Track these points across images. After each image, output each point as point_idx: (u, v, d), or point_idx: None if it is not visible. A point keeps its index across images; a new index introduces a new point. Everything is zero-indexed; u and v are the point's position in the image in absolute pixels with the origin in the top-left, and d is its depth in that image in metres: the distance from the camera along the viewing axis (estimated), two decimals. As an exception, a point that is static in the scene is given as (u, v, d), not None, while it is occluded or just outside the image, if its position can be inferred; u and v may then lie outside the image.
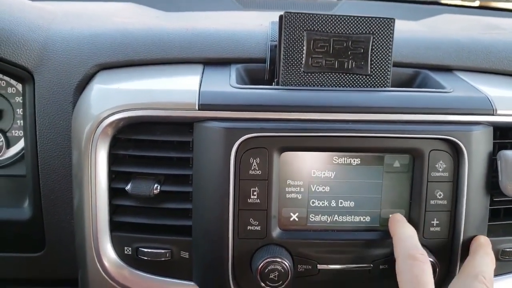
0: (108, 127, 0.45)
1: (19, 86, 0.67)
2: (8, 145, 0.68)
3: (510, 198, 0.51)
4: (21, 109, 0.67)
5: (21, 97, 0.67)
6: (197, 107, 0.45)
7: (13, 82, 0.67)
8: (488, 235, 0.49)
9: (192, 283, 0.49)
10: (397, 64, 0.55)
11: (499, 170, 0.48)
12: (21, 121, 0.69)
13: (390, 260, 0.48)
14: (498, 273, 0.51)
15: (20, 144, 0.69)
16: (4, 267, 0.57)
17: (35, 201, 0.55)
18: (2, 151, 0.68)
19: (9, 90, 0.68)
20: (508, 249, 0.51)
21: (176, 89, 0.48)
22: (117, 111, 0.45)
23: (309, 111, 0.46)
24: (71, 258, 0.55)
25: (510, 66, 0.57)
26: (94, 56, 0.53)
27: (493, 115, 0.47)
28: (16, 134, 0.69)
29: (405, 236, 0.44)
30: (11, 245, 0.57)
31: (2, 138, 0.68)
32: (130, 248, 0.48)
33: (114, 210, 0.49)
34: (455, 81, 0.53)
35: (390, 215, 0.48)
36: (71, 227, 0.54)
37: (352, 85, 0.50)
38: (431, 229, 0.48)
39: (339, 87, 0.50)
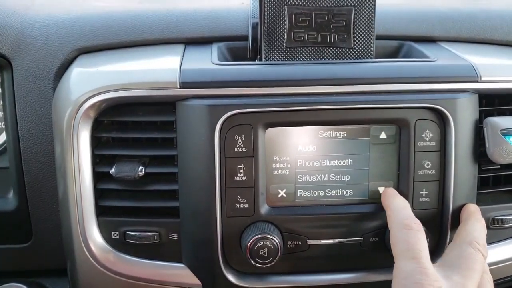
0: (90, 109, 0.44)
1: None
2: (-9, 137, 0.67)
3: (498, 166, 0.52)
4: (1, 100, 0.66)
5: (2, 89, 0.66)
6: (178, 86, 0.44)
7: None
8: (478, 204, 0.49)
9: (182, 264, 0.48)
10: (380, 37, 0.54)
11: (486, 137, 0.48)
12: (2, 113, 0.68)
13: (380, 232, 0.48)
14: (489, 241, 0.51)
15: (3, 137, 0.68)
16: (-8, 260, 0.56)
17: (20, 191, 0.54)
18: (-15, 143, 0.67)
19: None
20: (497, 217, 0.51)
21: (157, 68, 0.47)
22: (98, 92, 0.44)
23: (293, 85, 0.45)
24: (59, 248, 0.54)
25: (494, 34, 0.56)
26: (73, 40, 0.52)
27: (478, 82, 0.47)
28: (-2, 126, 0.68)
29: (399, 208, 0.44)
30: (-3, 237, 0.56)
31: (-16, 131, 0.67)
32: (117, 233, 0.48)
33: (99, 194, 0.48)
34: (439, 50, 0.53)
35: (382, 189, 0.47)
36: (58, 216, 0.53)
37: (336, 59, 0.50)
38: (420, 199, 0.47)
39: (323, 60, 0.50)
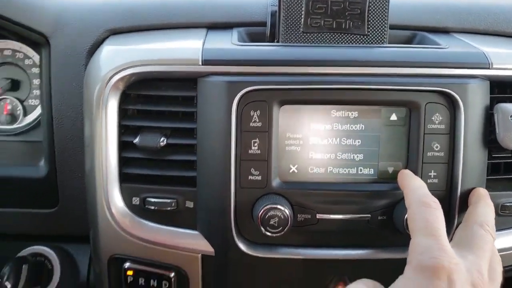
0: (119, 82, 0.48)
1: (36, 58, 0.71)
2: (25, 113, 0.72)
3: (509, 154, 0.53)
4: (37, 80, 0.71)
5: (38, 68, 0.71)
6: (200, 63, 0.48)
7: (30, 54, 0.71)
8: (487, 190, 0.50)
9: (196, 232, 0.51)
10: (394, 27, 0.56)
11: (496, 123, 0.49)
12: (37, 91, 0.73)
13: (388, 211, 0.49)
14: (498, 228, 0.51)
15: (36, 112, 0.72)
16: (20, 222, 0.61)
17: (50, 160, 0.59)
18: (20, 119, 0.72)
19: (26, 61, 0.72)
20: (508, 204, 0.51)
21: (181, 47, 0.51)
22: (127, 67, 0.48)
23: (308, 65, 0.48)
24: (83, 216, 0.58)
25: (508, 27, 0.57)
26: (104, 22, 0.57)
27: (489, 68, 0.48)
28: (32, 103, 0.73)
29: (416, 187, 0.45)
30: (27, 202, 0.60)
31: (20, 107, 0.72)
32: (138, 199, 0.51)
33: (123, 162, 0.52)
34: (452, 40, 0.54)
35: (392, 169, 0.49)
36: (83, 185, 0.57)
37: (350, 44, 0.52)
38: (429, 181, 0.49)
39: (338, 45, 0.52)
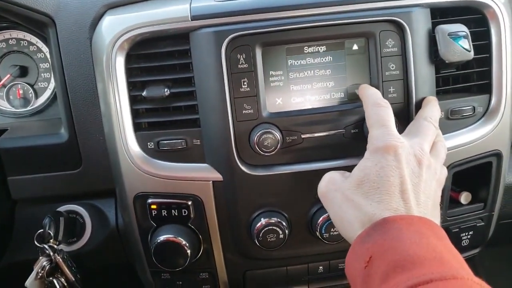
0: (125, 42, 0.57)
1: (39, 44, 0.79)
2: (37, 96, 0.80)
3: (454, 70, 0.63)
4: (44, 64, 0.79)
5: (42, 53, 0.79)
6: (190, 19, 0.57)
7: (33, 40, 0.78)
8: (438, 99, 0.60)
9: (205, 164, 0.61)
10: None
11: (438, 42, 0.59)
12: (46, 74, 0.81)
13: (359, 125, 0.60)
14: (449, 131, 0.63)
15: (47, 94, 0.81)
16: (49, 185, 0.70)
17: (69, 125, 0.67)
18: (32, 101, 0.80)
19: (31, 48, 0.79)
20: (456, 108, 0.63)
21: (172, 9, 0.59)
22: (130, 29, 0.57)
23: (281, 10, 0.57)
24: (105, 172, 0.67)
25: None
26: (101, -1, 0.65)
27: (428, -3, 0.59)
28: (42, 86, 0.81)
29: (371, 93, 0.56)
30: (53, 166, 0.69)
31: (31, 90, 0.80)
32: (152, 143, 0.61)
33: (135, 114, 0.61)
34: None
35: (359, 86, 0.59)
36: (102, 145, 0.66)
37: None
38: (389, 95, 0.59)
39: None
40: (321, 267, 0.67)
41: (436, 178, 0.51)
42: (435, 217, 0.49)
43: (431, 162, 0.51)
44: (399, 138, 0.50)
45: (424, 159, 0.50)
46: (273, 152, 0.57)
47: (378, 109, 0.53)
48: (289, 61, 0.59)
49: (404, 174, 0.48)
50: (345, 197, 0.49)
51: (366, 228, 0.45)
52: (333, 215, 0.51)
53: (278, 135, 0.57)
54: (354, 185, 0.49)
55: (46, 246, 0.65)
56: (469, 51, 0.59)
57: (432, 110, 0.57)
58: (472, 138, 0.63)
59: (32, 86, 0.79)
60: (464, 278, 0.38)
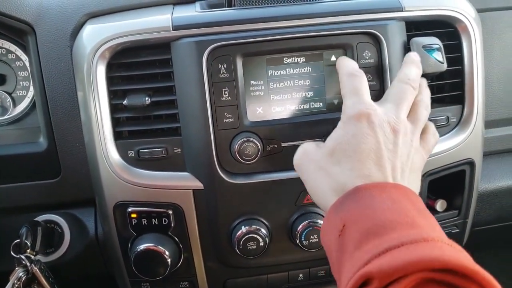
0: (106, 51, 0.57)
1: (18, 52, 0.78)
2: (15, 104, 0.79)
3: (428, 81, 0.65)
4: (23, 72, 0.78)
5: (21, 62, 0.78)
6: (171, 29, 0.57)
7: (12, 48, 0.77)
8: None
9: (186, 173, 0.61)
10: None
11: (413, 54, 0.61)
12: (24, 83, 0.80)
13: (338, 134, 0.61)
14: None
15: (25, 103, 0.79)
16: (27, 195, 0.69)
17: (48, 135, 0.66)
18: (10, 109, 0.79)
19: (9, 56, 0.78)
20: (431, 118, 0.62)
21: (154, 19, 0.60)
22: (112, 38, 0.57)
23: (261, 22, 0.58)
24: (84, 181, 0.67)
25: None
26: (82, 7, 0.65)
27: (402, 11, 0.61)
28: (20, 94, 0.80)
29: (346, 64, 0.55)
30: (32, 175, 0.68)
31: (9, 99, 0.79)
32: (132, 151, 0.60)
33: (116, 123, 0.60)
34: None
35: (337, 101, 0.60)
36: (81, 153, 0.66)
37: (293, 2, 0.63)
38: (367, 106, 0.61)
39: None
40: (301, 275, 0.68)
41: (413, 145, 0.50)
42: (412, 183, 0.49)
43: (408, 128, 0.50)
44: (372, 105, 0.49)
45: (398, 126, 0.49)
46: (253, 161, 0.58)
47: (352, 78, 0.52)
48: (269, 71, 0.60)
49: (379, 141, 0.47)
50: (318, 167, 0.49)
51: (339, 197, 0.45)
52: (308, 186, 0.51)
53: (258, 143, 0.58)
54: (326, 154, 0.49)
55: (23, 257, 0.64)
56: (442, 63, 0.61)
57: (409, 69, 0.54)
58: (446, 147, 0.66)
59: (10, 94, 0.78)
60: (434, 239, 0.38)
